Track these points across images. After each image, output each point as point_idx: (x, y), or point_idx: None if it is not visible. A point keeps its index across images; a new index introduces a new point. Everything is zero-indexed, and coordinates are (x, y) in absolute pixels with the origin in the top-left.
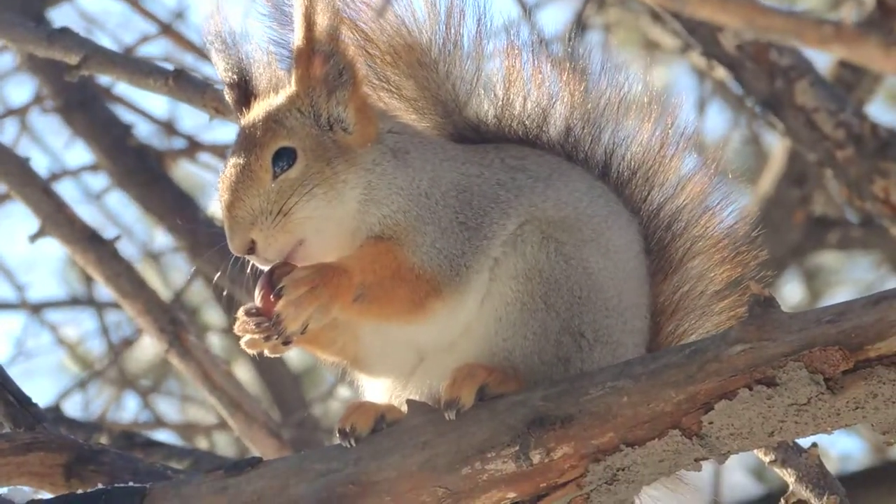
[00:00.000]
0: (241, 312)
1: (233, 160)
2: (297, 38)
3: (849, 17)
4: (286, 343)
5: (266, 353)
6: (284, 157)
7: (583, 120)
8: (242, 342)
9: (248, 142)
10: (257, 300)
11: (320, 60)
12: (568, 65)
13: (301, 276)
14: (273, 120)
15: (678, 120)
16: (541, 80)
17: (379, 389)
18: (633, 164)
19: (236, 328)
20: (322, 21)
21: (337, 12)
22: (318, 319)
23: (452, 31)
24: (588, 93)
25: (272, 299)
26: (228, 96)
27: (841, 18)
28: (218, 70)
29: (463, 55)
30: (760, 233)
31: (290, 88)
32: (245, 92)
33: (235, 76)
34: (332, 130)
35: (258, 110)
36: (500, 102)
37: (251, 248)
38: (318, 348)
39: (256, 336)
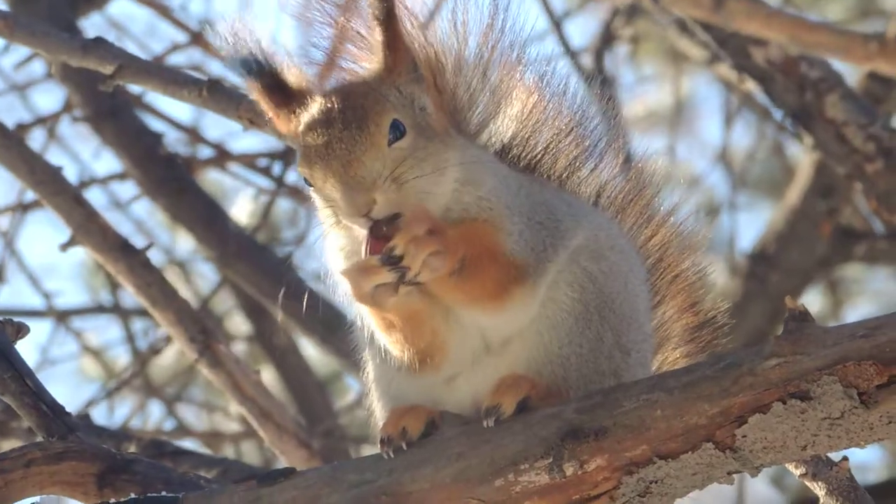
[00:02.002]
0: (354, 266)
1: (340, 127)
2: (382, 25)
3: (892, 31)
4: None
5: (386, 304)
6: (396, 129)
7: (586, 154)
8: (364, 294)
9: (357, 111)
10: (366, 254)
11: (405, 48)
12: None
13: (419, 214)
14: (380, 93)
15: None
16: (554, 116)
17: (409, 397)
18: (618, 201)
19: (355, 281)
20: (401, 13)
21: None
22: (432, 268)
23: (481, 57)
24: (593, 128)
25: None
26: (257, 88)
27: (885, 34)
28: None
29: (488, 84)
30: (709, 273)
31: (381, 71)
32: (278, 86)
33: (263, 67)
34: (422, 114)
35: (355, 85)
36: (517, 130)
37: (368, 210)
38: (415, 325)
39: (388, 279)
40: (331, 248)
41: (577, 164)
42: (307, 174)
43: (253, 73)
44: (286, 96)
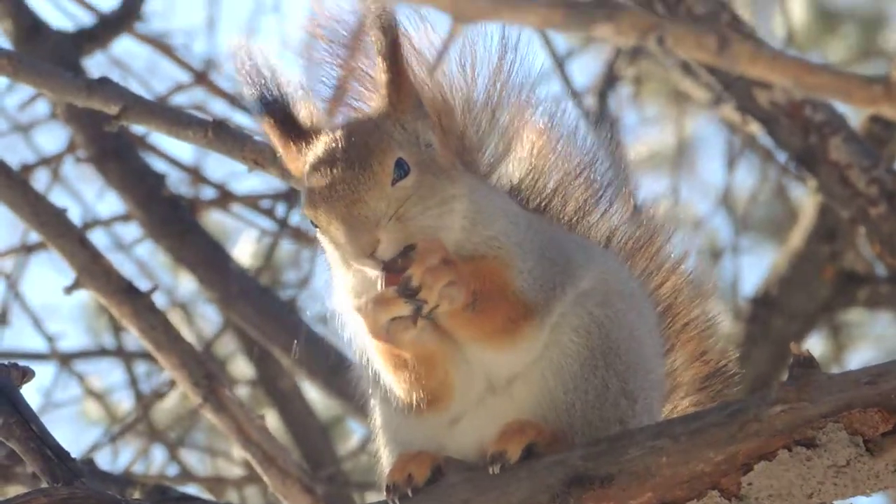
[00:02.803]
0: (369, 301)
1: (343, 167)
2: (388, 62)
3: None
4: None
5: (403, 340)
6: (399, 167)
7: (596, 198)
8: (379, 329)
9: (361, 149)
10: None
11: (410, 86)
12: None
13: (432, 245)
14: (384, 131)
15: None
16: (564, 158)
17: (417, 441)
18: (628, 247)
19: (371, 315)
20: (405, 51)
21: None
22: (451, 299)
23: (490, 99)
24: (602, 172)
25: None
26: (268, 122)
27: (889, 77)
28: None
29: (497, 126)
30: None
31: (385, 109)
32: (287, 119)
33: (277, 101)
34: (428, 151)
35: (357, 125)
36: (526, 173)
37: (373, 250)
38: (429, 365)
39: (405, 311)
40: (339, 289)
41: (587, 207)
42: (312, 216)
43: (267, 107)
44: (296, 133)
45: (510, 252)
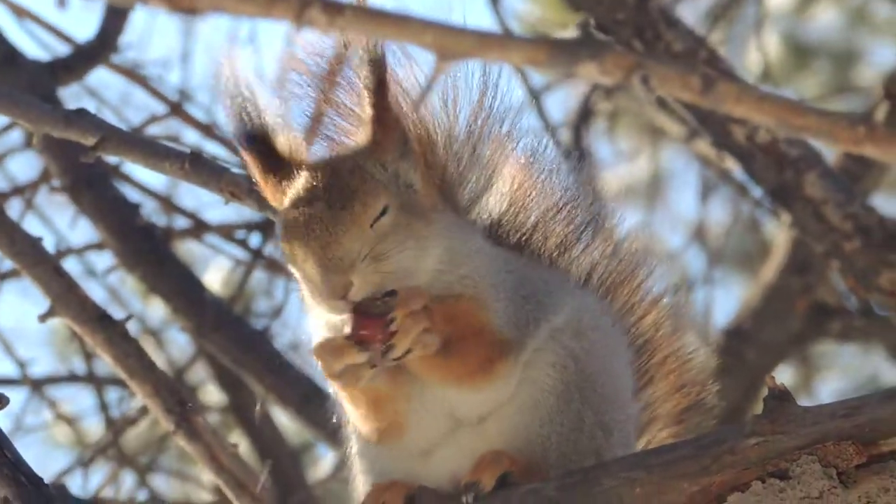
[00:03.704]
0: (325, 345)
1: (320, 207)
2: (371, 100)
3: (879, 115)
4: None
5: (348, 384)
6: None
7: (577, 233)
8: (333, 366)
9: (341, 189)
10: (351, 331)
11: (394, 123)
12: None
13: (413, 292)
14: (366, 171)
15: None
16: (544, 193)
17: (392, 470)
18: (609, 283)
19: (326, 361)
20: (392, 88)
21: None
22: (424, 346)
23: (471, 133)
24: (587, 203)
25: (367, 334)
26: (249, 153)
27: (872, 117)
28: (236, 125)
29: (478, 160)
30: (732, 345)
31: (365, 148)
32: (267, 149)
33: (257, 131)
34: (407, 192)
35: (338, 163)
36: (506, 208)
37: (345, 293)
38: (377, 407)
39: (358, 360)
40: (313, 321)
41: (568, 242)
42: (288, 250)
43: (247, 137)
44: (276, 164)
45: (484, 291)
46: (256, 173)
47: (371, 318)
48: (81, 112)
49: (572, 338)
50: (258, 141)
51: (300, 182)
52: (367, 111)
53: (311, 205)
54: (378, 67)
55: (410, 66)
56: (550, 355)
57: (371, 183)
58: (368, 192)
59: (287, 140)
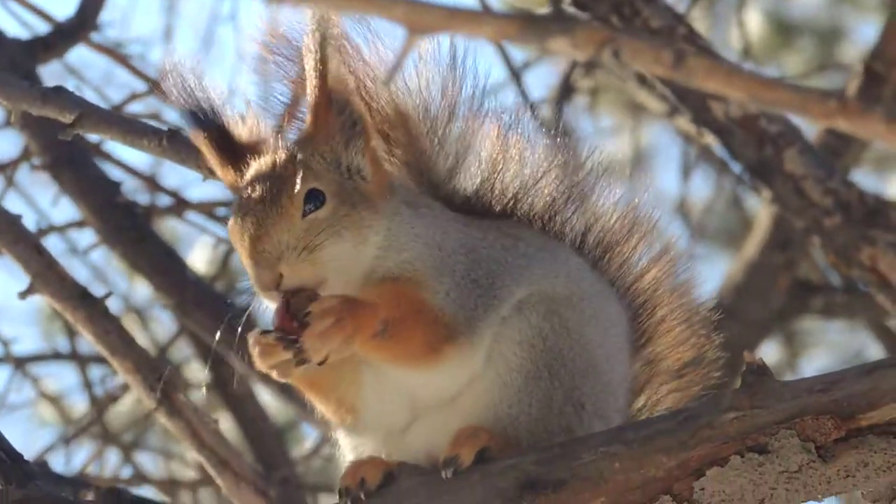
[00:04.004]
0: (259, 335)
1: (255, 199)
2: (312, 85)
3: (851, 89)
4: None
5: (280, 377)
6: (313, 198)
7: (565, 196)
8: (262, 363)
9: (274, 181)
10: (274, 323)
11: (337, 109)
12: (555, 141)
13: (327, 306)
14: (299, 161)
15: (647, 199)
16: (527, 158)
17: (369, 448)
18: (605, 242)
19: (258, 351)
20: (336, 72)
21: (346, 66)
22: (339, 352)
23: (446, 104)
24: (572, 169)
25: (294, 325)
26: (206, 144)
27: (844, 92)
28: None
29: (454, 129)
30: (720, 316)
31: (305, 135)
32: (225, 139)
33: (209, 119)
34: (352, 178)
35: (279, 153)
36: (485, 178)
37: (276, 284)
38: (319, 394)
39: (286, 357)
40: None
41: (557, 206)
42: (232, 242)
43: (200, 125)
44: (235, 151)
45: (424, 273)
46: (213, 161)
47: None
48: (59, 90)
49: (542, 315)
50: (210, 128)
51: (247, 173)
52: (310, 97)
53: (247, 198)
54: (321, 52)
55: (376, 43)
56: (517, 334)
57: (303, 174)
58: (299, 184)
59: (248, 125)
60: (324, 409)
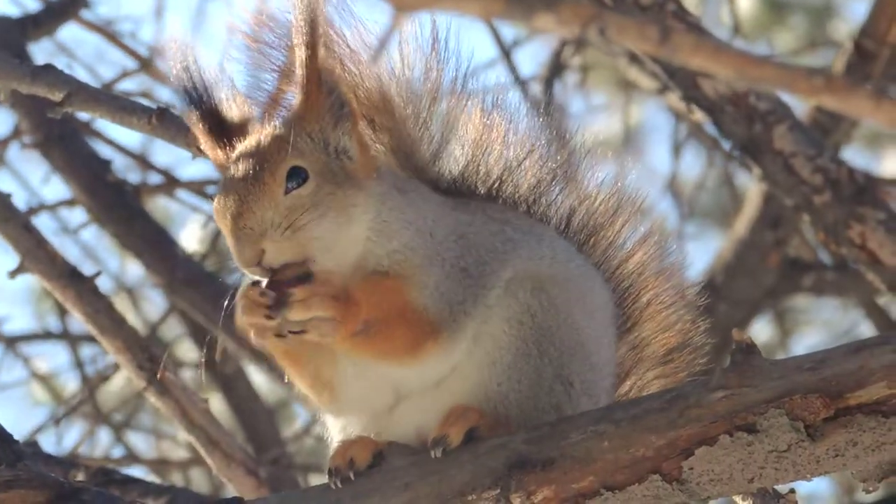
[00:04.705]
0: (240, 298)
1: (238, 176)
2: (301, 66)
3: (838, 66)
4: (279, 336)
5: (257, 338)
6: (296, 176)
7: (550, 177)
8: (244, 317)
9: (257, 158)
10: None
11: (327, 89)
12: (540, 120)
13: (317, 286)
14: (284, 139)
15: (632, 180)
16: (511, 139)
17: (356, 427)
18: (590, 225)
19: (243, 304)
20: (323, 53)
21: (333, 49)
22: (320, 333)
23: (430, 86)
24: (556, 148)
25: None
26: (198, 124)
27: (831, 69)
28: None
29: (438, 112)
30: (710, 295)
31: (294, 115)
32: (216, 119)
33: (206, 104)
34: (339, 158)
35: (264, 132)
36: (469, 160)
37: (259, 261)
38: (295, 365)
39: (264, 324)
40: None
41: (542, 187)
42: (216, 220)
43: (192, 103)
44: (224, 130)
45: (414, 266)
46: (202, 139)
47: (287, 286)
48: (48, 67)
49: (530, 292)
50: (203, 106)
51: (232, 154)
52: (300, 76)
53: (231, 176)
54: (310, 32)
55: (359, 25)
56: (506, 311)
57: (286, 151)
58: (281, 162)
59: (238, 105)
60: (300, 383)
